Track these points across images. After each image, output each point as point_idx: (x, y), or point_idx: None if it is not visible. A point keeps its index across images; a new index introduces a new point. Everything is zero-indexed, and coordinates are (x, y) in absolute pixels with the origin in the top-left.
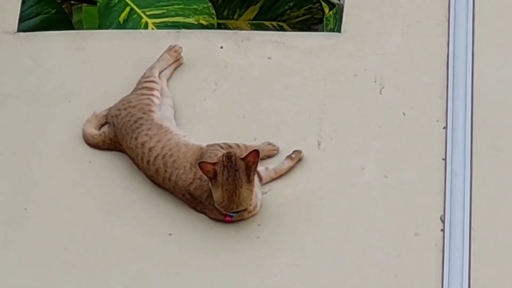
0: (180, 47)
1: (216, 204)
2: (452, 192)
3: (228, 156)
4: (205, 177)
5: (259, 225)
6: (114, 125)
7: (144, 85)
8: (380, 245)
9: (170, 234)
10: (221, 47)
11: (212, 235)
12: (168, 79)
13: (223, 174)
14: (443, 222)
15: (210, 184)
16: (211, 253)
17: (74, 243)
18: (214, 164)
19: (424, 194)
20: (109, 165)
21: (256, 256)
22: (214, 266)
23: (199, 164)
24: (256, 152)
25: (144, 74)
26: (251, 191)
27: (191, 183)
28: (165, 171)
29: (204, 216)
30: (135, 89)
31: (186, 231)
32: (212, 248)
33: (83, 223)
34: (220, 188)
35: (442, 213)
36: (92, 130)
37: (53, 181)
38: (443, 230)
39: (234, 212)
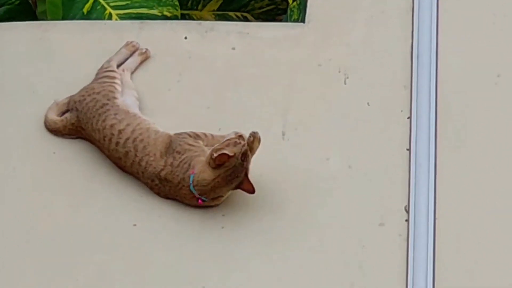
0: (137, 42)
1: (193, 181)
2: (416, 182)
3: (243, 156)
4: (176, 165)
5: (223, 215)
6: (77, 110)
7: (104, 74)
8: (344, 235)
9: (134, 225)
10: (185, 38)
11: (177, 225)
12: (132, 72)
13: (227, 169)
14: (408, 212)
15: (203, 162)
16: (176, 243)
17: (38, 234)
18: (230, 157)
19: (388, 184)
20: (73, 155)
21: (221, 246)
22: (179, 256)
23: (218, 155)
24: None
25: (102, 66)
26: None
27: (162, 169)
28: (135, 155)
29: (169, 206)
30: (96, 79)
31: (150, 221)
32: (177, 238)
33: (47, 214)
34: (213, 174)
35: (407, 203)
36: (54, 116)
37: (17, 172)
38: (407, 220)
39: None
